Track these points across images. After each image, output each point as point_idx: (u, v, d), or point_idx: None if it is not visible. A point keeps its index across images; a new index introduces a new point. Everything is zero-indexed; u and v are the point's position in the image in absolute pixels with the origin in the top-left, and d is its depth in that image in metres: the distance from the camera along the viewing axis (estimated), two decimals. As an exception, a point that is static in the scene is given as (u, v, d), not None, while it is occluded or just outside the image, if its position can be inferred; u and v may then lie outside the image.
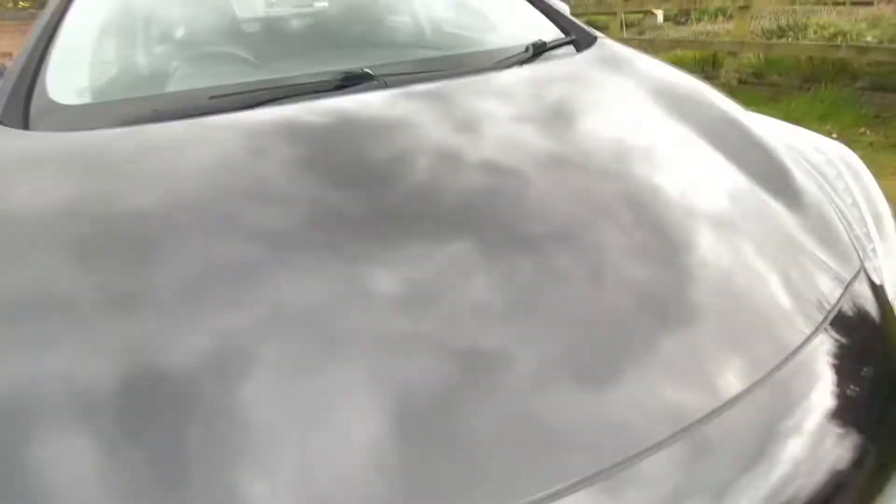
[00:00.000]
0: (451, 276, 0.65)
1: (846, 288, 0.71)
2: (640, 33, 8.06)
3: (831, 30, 4.95)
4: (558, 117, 1.02)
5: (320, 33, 1.47)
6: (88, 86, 1.17)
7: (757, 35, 5.38)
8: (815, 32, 5.02)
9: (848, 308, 0.69)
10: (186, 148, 0.90)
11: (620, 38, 6.26)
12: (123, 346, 0.56)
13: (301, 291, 0.63)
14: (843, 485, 0.56)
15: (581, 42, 1.37)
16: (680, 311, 0.64)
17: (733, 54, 4.84)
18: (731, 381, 0.57)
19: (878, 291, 0.74)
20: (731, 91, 4.70)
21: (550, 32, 1.41)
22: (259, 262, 0.66)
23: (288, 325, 0.59)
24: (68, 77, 1.15)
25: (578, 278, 0.67)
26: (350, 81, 1.06)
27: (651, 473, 0.50)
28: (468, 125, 0.97)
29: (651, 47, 6.09)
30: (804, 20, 5.28)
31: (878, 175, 3.41)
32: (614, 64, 1.26)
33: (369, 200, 0.76)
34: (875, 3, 5.46)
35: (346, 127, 0.94)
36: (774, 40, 5.08)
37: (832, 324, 0.65)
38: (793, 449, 0.55)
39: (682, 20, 8.54)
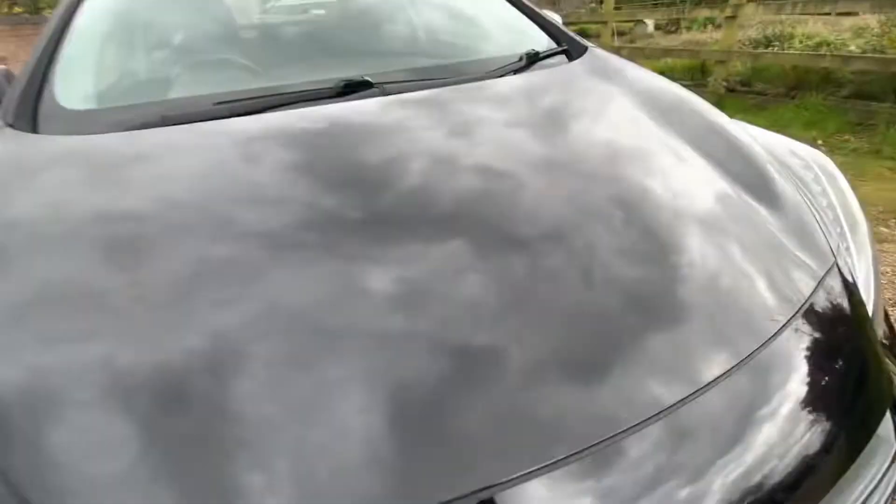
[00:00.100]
0: (452, 271, 0.69)
1: (819, 282, 0.76)
2: (631, 42, 8.18)
3: (816, 40, 5.07)
4: (551, 123, 1.06)
5: (320, 41, 1.50)
6: (95, 91, 1.19)
7: (744, 44, 5.49)
8: (801, 42, 5.14)
9: (821, 300, 0.73)
10: (193, 152, 0.93)
11: (612, 46, 6.35)
12: (136, 337, 0.59)
13: (311, 288, 0.66)
14: (813, 466, 0.59)
15: (573, 51, 1.42)
16: (662, 305, 0.68)
17: (722, 63, 4.93)
18: (709, 367, 0.61)
19: (849, 286, 0.79)
20: (720, 99, 4.81)
21: (543, 42, 1.46)
22: (270, 261, 0.69)
23: (302, 318, 0.62)
24: (75, 82, 1.17)
25: (566, 275, 0.71)
26: (351, 89, 1.10)
27: (629, 454, 0.54)
28: (464, 131, 1.00)
29: (641, 55, 6.19)
30: (790, 30, 5.40)
31: (861, 179, 3.48)
32: (604, 73, 1.30)
33: (373, 202, 0.79)
34: (860, 13, 5.59)
35: (348, 132, 0.98)
36: (761, 50, 5.19)
37: (806, 314, 0.70)
38: (766, 432, 0.59)
39: (672, 29, 8.68)
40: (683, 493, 0.53)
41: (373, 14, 1.64)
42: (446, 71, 1.25)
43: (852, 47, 4.69)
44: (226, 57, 1.34)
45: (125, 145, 0.94)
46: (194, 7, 1.55)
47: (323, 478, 0.50)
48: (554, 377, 0.59)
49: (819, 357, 0.67)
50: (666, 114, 1.10)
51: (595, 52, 1.45)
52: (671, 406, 0.57)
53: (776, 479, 0.57)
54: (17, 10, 8.68)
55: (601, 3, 8.19)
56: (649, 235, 0.78)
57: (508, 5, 1.66)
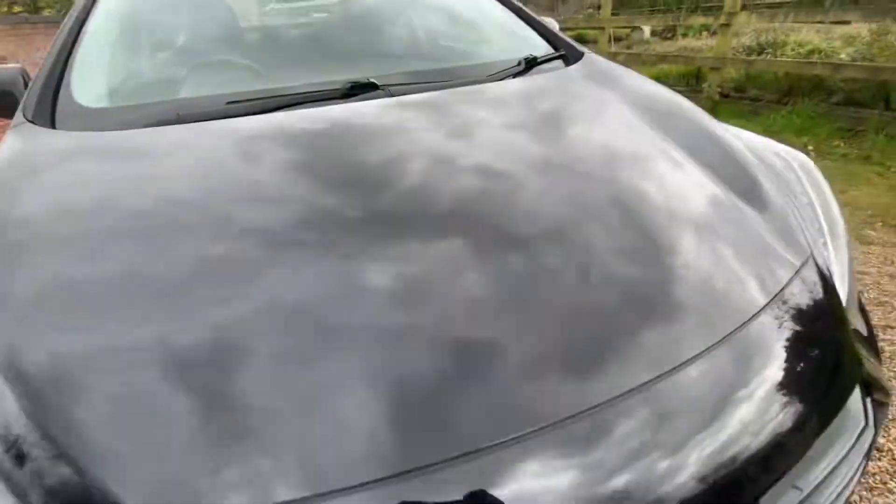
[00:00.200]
0: (463, 256, 0.74)
1: (796, 273, 0.81)
2: (628, 48, 8.27)
3: (808, 47, 5.16)
4: (548, 126, 1.10)
5: (325, 44, 1.54)
6: (110, 89, 1.23)
7: (738, 51, 5.57)
8: (793, 50, 5.23)
9: (796, 289, 0.79)
10: (209, 148, 0.96)
11: (608, 52, 6.43)
12: (158, 319, 0.64)
13: (328, 276, 0.70)
14: (784, 439, 0.64)
15: (569, 57, 1.47)
16: (646, 291, 0.73)
17: (716, 69, 5.01)
18: (688, 346, 0.66)
19: (824, 277, 0.84)
20: (714, 105, 4.89)
21: (541, 47, 1.52)
22: (299, 249, 0.74)
23: (327, 305, 0.66)
24: (90, 81, 1.21)
25: (557, 264, 0.75)
26: (357, 90, 1.15)
27: (608, 426, 0.58)
28: (466, 132, 1.05)
29: (638, 61, 6.27)
30: (783, 38, 5.49)
31: (850, 184, 3.56)
32: (600, 77, 1.36)
33: (385, 198, 0.83)
34: (851, 22, 5.69)
35: (356, 132, 1.02)
36: (755, 56, 5.27)
37: (781, 301, 0.75)
38: (740, 406, 0.63)
39: (669, 35, 8.78)
40: (660, 464, 0.57)
41: (376, 18, 1.68)
42: (448, 74, 1.30)
43: (843, 55, 4.78)
44: (235, 59, 1.38)
45: (143, 140, 0.98)
46: (203, 10, 1.60)
47: (329, 437, 0.54)
48: (540, 354, 0.64)
49: (792, 339, 0.72)
50: (658, 117, 1.16)
51: (591, 57, 1.50)
52: (651, 380, 0.62)
53: (749, 450, 0.61)
54: (16, 9, 8.69)
55: (599, 8, 8.28)
56: (639, 231, 0.83)
57: (507, 10, 1.72)
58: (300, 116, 1.06)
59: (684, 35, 7.98)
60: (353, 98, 1.13)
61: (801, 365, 0.71)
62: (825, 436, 0.68)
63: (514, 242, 0.78)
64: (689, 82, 5.65)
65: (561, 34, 1.64)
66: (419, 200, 0.85)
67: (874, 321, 1.96)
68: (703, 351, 0.66)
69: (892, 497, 1.30)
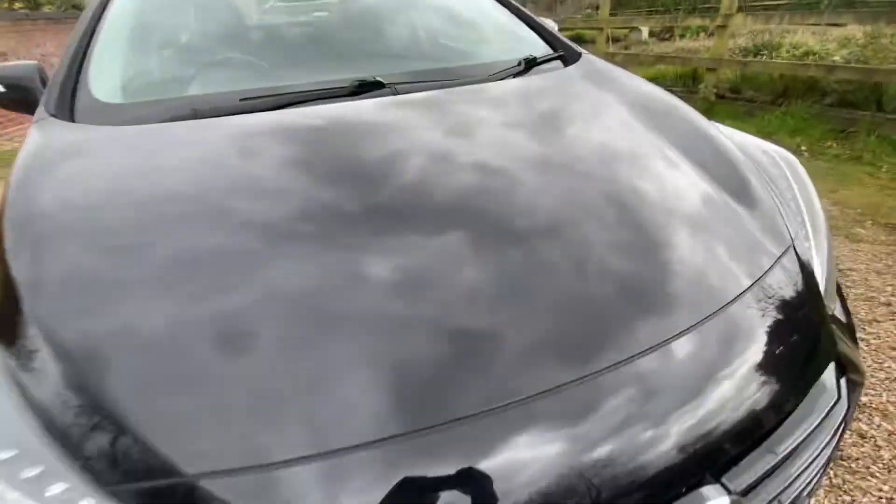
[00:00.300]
0: (473, 245, 0.79)
1: (777, 260, 0.87)
2: (626, 48, 8.34)
3: (803, 49, 5.23)
4: (547, 124, 1.15)
5: (332, 43, 1.58)
6: (125, 85, 1.27)
7: (735, 53, 5.64)
8: (788, 51, 5.30)
9: (777, 275, 0.84)
10: (223, 142, 1.01)
11: (606, 52, 6.49)
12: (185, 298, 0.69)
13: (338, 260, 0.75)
14: (761, 410, 0.70)
15: (568, 57, 1.53)
16: (636, 275, 0.78)
17: (712, 70, 5.08)
18: (674, 323, 0.71)
19: (803, 265, 0.90)
20: (710, 105, 4.96)
21: (540, 47, 1.57)
22: (317, 233, 0.79)
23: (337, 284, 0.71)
24: (106, 77, 1.25)
25: (556, 252, 0.80)
26: (364, 88, 1.20)
27: (594, 394, 0.63)
28: (468, 129, 1.10)
29: (635, 62, 6.33)
30: (779, 40, 5.56)
31: (841, 184, 3.63)
32: (597, 78, 1.41)
33: (397, 190, 0.88)
34: (846, 24, 5.77)
35: (363, 128, 1.06)
36: (750, 58, 5.34)
37: (763, 285, 0.81)
38: (721, 379, 0.69)
39: (666, 36, 8.85)
40: (644, 432, 0.62)
41: (379, 17, 1.73)
42: (450, 74, 1.35)
43: (836, 57, 4.85)
44: (245, 57, 1.42)
45: (162, 134, 1.03)
46: (213, 9, 1.64)
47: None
48: (532, 331, 0.68)
49: (771, 320, 0.78)
50: (653, 117, 1.21)
51: (588, 58, 1.56)
52: (638, 354, 0.67)
53: (730, 419, 0.67)
54: (17, 5, 8.69)
55: (597, 9, 8.34)
56: (632, 223, 0.88)
57: (507, 11, 1.77)
58: (309, 113, 1.10)
59: (682, 36, 8.05)
60: (360, 96, 1.18)
61: (779, 343, 0.76)
62: (801, 407, 0.73)
63: (515, 232, 0.83)
64: (686, 83, 5.72)
65: (559, 35, 1.69)
66: (431, 191, 0.90)
67: (861, 315, 2.03)
68: (689, 328, 0.71)
69: (873, 481, 1.37)
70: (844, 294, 2.25)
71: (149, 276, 0.72)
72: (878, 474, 1.38)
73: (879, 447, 1.46)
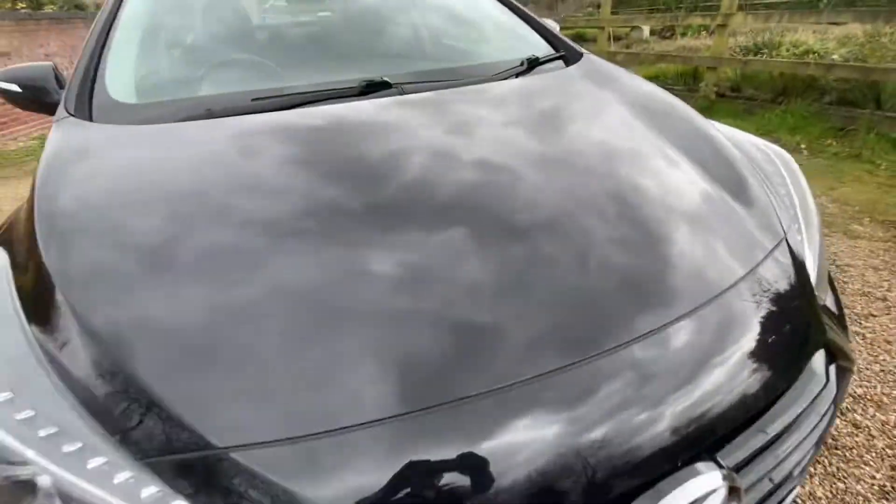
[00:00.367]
0: (482, 235, 0.83)
1: (769, 252, 0.91)
2: (627, 47, 8.37)
3: (802, 48, 5.26)
4: (550, 123, 1.19)
5: (341, 44, 1.62)
6: (141, 86, 1.31)
7: (735, 51, 5.67)
8: (788, 50, 5.33)
9: (770, 265, 0.88)
10: (239, 140, 1.04)
11: (607, 51, 6.52)
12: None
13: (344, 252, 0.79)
14: (753, 393, 0.73)
15: (569, 57, 1.56)
16: (636, 265, 0.82)
17: (712, 69, 5.11)
18: (670, 310, 0.75)
19: (795, 256, 0.94)
20: (711, 104, 4.99)
21: (542, 47, 1.61)
22: (327, 227, 0.83)
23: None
24: (122, 78, 1.29)
25: (558, 242, 0.84)
26: (372, 88, 1.23)
27: (592, 378, 0.66)
28: (473, 127, 1.13)
29: (636, 61, 6.36)
30: (779, 38, 5.59)
31: (840, 181, 3.67)
32: (598, 78, 1.45)
33: (408, 185, 0.92)
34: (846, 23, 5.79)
35: (373, 127, 1.09)
36: (750, 57, 5.37)
37: (756, 275, 0.85)
38: (714, 364, 0.72)
39: (668, 35, 8.88)
40: (643, 412, 0.66)
41: (388, 19, 1.76)
42: (455, 73, 1.38)
43: (836, 56, 4.88)
44: (255, 58, 1.46)
45: (178, 133, 1.07)
46: (222, 11, 1.68)
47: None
48: (532, 318, 0.72)
49: (763, 307, 0.81)
50: (653, 115, 1.25)
51: (589, 58, 1.59)
52: (637, 338, 0.71)
53: (723, 401, 0.70)
54: (20, 5, 8.73)
55: (598, 7, 8.37)
56: (633, 216, 0.92)
57: (509, 12, 1.81)
58: (320, 113, 1.14)
59: (683, 35, 8.08)
60: (368, 96, 1.22)
61: (771, 329, 0.80)
62: (791, 391, 0.77)
63: (525, 224, 0.86)
64: (687, 81, 5.75)
65: (561, 35, 1.73)
66: (448, 185, 0.94)
67: (858, 310, 2.07)
68: (684, 315, 0.75)
69: (867, 469, 1.41)
70: (842, 289, 2.29)
71: (177, 264, 0.76)
72: (871, 462, 1.42)
73: (873, 437, 1.50)
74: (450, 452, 0.60)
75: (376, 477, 0.58)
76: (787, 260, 0.91)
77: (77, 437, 0.59)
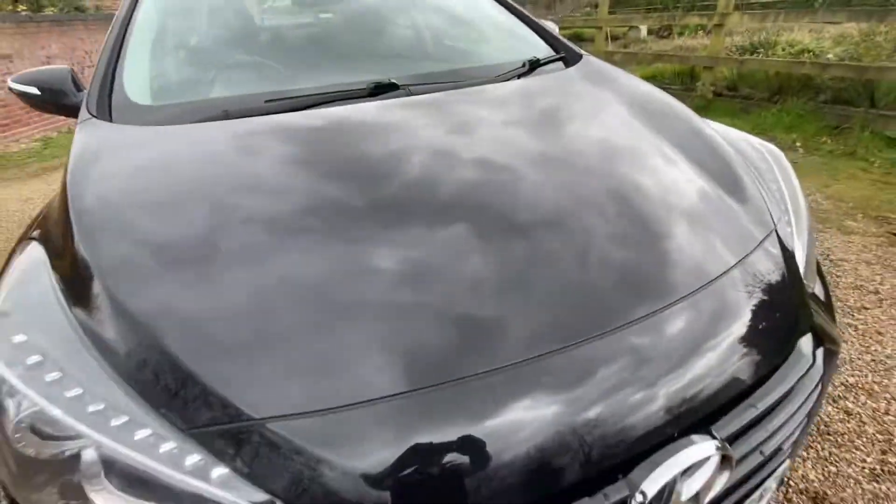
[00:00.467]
0: (488, 229, 0.88)
1: (760, 243, 0.96)
2: (624, 46, 8.42)
3: (798, 47, 5.32)
4: (551, 122, 1.24)
5: (350, 47, 1.66)
6: (156, 87, 1.35)
7: (731, 51, 5.73)
8: (783, 49, 5.39)
9: (760, 255, 0.93)
10: (255, 139, 1.09)
11: (605, 51, 6.57)
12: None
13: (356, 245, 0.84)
14: (742, 373, 0.78)
15: (569, 59, 1.62)
16: (631, 254, 0.87)
17: (709, 68, 5.17)
18: (663, 296, 0.80)
19: (784, 247, 0.99)
20: (708, 103, 5.05)
21: (542, 49, 1.66)
22: (344, 221, 0.88)
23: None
24: (138, 80, 1.34)
25: (558, 233, 0.89)
26: (379, 90, 1.28)
27: (588, 359, 0.71)
28: (477, 127, 1.18)
29: (633, 60, 6.42)
30: (775, 38, 5.65)
31: (835, 179, 3.75)
32: (597, 78, 1.50)
33: (419, 183, 0.97)
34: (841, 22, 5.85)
35: (382, 127, 1.14)
36: (747, 56, 5.43)
37: (746, 263, 0.90)
38: (705, 347, 0.77)
39: (665, 34, 8.94)
40: (640, 389, 0.71)
41: (392, 21, 1.81)
42: (459, 75, 1.43)
43: (831, 55, 4.94)
44: (265, 60, 1.51)
45: (200, 133, 1.11)
46: (234, 15, 1.73)
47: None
48: (534, 304, 0.76)
49: (754, 293, 0.87)
50: (651, 115, 1.30)
51: (589, 59, 1.65)
52: (634, 321, 0.76)
53: (716, 380, 0.76)
54: (20, 7, 8.76)
55: (596, 7, 8.42)
56: (631, 211, 0.96)
57: (510, 14, 1.86)
58: (330, 113, 1.19)
59: (680, 34, 8.13)
60: (376, 97, 1.26)
61: (761, 313, 0.85)
62: (780, 370, 0.83)
63: (527, 218, 0.91)
64: (684, 81, 5.80)
65: (560, 37, 1.78)
66: (458, 181, 0.99)
67: (850, 303, 2.13)
68: (678, 300, 0.80)
69: (858, 453, 1.46)
70: (835, 283, 2.34)
71: (206, 255, 0.81)
72: (862, 447, 1.48)
73: (864, 423, 1.56)
74: (460, 422, 0.65)
75: (394, 444, 0.63)
76: (777, 250, 0.97)
77: (124, 411, 0.65)
